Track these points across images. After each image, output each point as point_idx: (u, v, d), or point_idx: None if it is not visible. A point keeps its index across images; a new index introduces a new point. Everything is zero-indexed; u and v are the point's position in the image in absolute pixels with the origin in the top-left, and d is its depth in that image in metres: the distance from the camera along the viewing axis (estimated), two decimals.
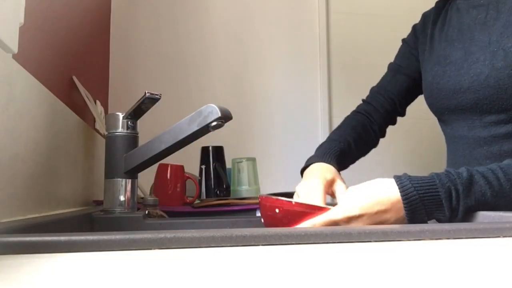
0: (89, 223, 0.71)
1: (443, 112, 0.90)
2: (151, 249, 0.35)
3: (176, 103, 1.76)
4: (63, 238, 0.34)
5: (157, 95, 0.76)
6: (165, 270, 0.28)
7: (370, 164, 1.38)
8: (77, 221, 0.66)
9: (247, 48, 1.96)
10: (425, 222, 0.58)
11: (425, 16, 1.03)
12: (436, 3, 1.00)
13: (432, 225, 0.41)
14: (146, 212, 0.83)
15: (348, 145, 0.93)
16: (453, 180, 0.58)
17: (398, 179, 0.59)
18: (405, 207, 0.57)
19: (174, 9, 1.91)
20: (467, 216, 0.58)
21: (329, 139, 0.96)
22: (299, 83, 1.96)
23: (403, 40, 1.06)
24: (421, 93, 1.00)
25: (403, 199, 0.57)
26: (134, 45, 1.84)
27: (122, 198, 0.76)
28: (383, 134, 1.06)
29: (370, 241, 0.39)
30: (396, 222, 0.57)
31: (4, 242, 0.33)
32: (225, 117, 0.68)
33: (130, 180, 0.77)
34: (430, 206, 0.57)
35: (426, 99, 0.95)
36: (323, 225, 0.57)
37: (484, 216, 0.62)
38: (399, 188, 0.57)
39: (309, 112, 1.94)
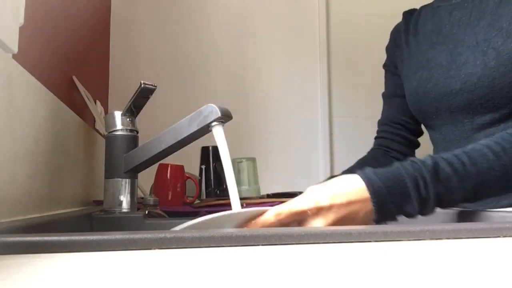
0: (89, 223, 0.71)
1: (431, 116, 0.89)
2: (151, 249, 0.35)
3: (176, 103, 1.76)
4: (63, 238, 0.34)
5: (152, 85, 0.75)
6: (165, 270, 0.28)
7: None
8: (77, 221, 0.66)
9: (247, 48, 1.95)
10: (394, 218, 0.55)
11: (393, 32, 1.04)
12: (404, 13, 1.01)
13: (432, 225, 0.41)
14: (146, 212, 0.83)
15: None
16: (418, 169, 0.55)
17: (362, 172, 0.56)
18: (372, 199, 0.53)
19: (174, 9, 1.91)
20: (438, 207, 0.56)
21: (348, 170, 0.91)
22: (299, 83, 1.96)
23: (383, 66, 1.07)
24: None
25: (370, 191, 0.54)
26: (134, 45, 1.84)
27: (122, 198, 0.76)
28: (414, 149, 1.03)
29: (370, 241, 0.38)
30: (366, 216, 0.54)
31: (4, 242, 0.33)
32: (225, 117, 0.68)
33: (130, 180, 0.77)
34: (398, 197, 0.54)
35: (412, 105, 0.94)
36: (289, 214, 0.53)
37: (484, 216, 0.62)
38: (364, 180, 0.55)
39: (309, 112, 1.94)
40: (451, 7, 0.89)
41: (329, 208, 0.53)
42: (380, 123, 1.05)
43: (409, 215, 0.55)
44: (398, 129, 1.01)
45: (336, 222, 0.52)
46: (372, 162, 0.95)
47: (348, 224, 0.53)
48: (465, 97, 0.81)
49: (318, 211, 0.53)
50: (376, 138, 1.05)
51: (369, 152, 1.03)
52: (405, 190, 0.54)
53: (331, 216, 0.53)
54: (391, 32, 1.05)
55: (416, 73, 0.92)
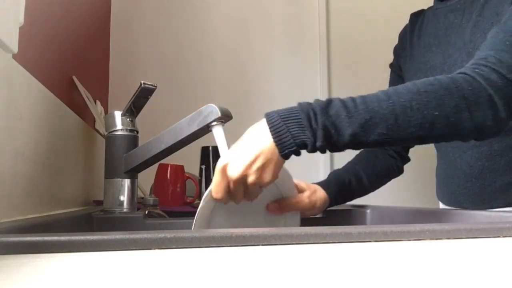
0: (89, 223, 0.71)
1: None
2: (151, 249, 0.35)
3: (176, 103, 1.76)
4: (63, 238, 0.34)
5: (152, 85, 0.76)
6: (165, 270, 0.28)
7: None
8: (77, 221, 0.66)
9: (247, 48, 1.95)
10: (293, 148, 0.59)
11: (401, 34, 1.05)
12: (411, 15, 1.02)
13: (432, 225, 0.41)
14: (146, 212, 0.83)
15: (358, 179, 0.89)
16: (312, 104, 0.59)
17: (266, 114, 0.61)
18: (268, 126, 0.59)
19: (174, 9, 1.91)
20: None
21: (343, 169, 0.93)
22: (299, 82, 1.96)
23: (390, 66, 1.08)
24: None
25: (268, 123, 0.59)
26: (134, 45, 1.84)
27: (122, 198, 0.76)
28: (405, 160, 1.01)
29: (370, 241, 0.39)
30: (270, 145, 0.58)
31: (4, 242, 0.33)
32: (225, 117, 0.68)
33: (130, 180, 0.77)
34: (292, 125, 0.58)
35: None
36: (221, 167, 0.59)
37: (484, 216, 0.62)
38: (264, 117, 0.60)
39: None
40: (446, 9, 0.90)
41: (240, 141, 0.61)
42: None
43: (305, 146, 0.59)
44: None
45: (245, 149, 0.59)
46: (369, 156, 0.96)
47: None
48: None
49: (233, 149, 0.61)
50: None
51: (362, 150, 1.01)
52: (298, 119, 0.58)
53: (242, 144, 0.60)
54: (399, 33, 1.05)
55: (415, 75, 0.92)
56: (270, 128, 0.59)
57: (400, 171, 1.01)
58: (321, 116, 0.57)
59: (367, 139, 0.58)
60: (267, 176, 0.59)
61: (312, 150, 0.59)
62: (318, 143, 0.58)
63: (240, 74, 1.95)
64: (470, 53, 0.79)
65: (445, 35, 0.88)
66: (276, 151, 0.58)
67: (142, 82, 0.76)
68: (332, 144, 0.59)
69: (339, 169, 0.93)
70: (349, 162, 0.96)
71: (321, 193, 0.83)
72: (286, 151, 0.58)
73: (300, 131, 0.58)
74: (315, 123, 0.57)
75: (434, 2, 0.96)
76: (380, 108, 0.58)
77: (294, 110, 0.59)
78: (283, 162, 0.61)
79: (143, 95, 0.76)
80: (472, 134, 0.59)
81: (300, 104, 0.60)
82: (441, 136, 0.59)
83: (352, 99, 0.59)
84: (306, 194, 0.79)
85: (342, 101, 0.59)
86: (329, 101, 0.59)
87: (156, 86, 0.76)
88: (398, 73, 1.04)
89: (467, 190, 0.88)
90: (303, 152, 0.61)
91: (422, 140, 0.60)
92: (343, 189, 0.86)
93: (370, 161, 0.94)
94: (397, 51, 1.05)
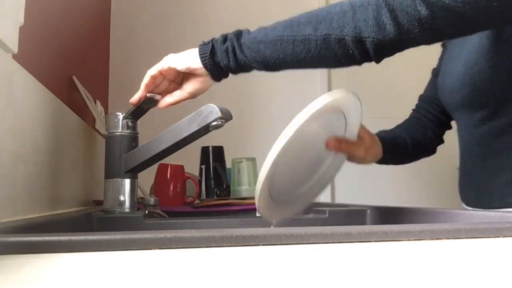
0: (89, 223, 0.71)
1: (449, 109, 0.93)
2: (151, 249, 0.35)
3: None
4: (63, 238, 0.34)
5: (156, 95, 0.76)
6: (165, 270, 0.28)
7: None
8: (77, 221, 0.66)
9: None
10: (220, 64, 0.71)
11: None
12: None
13: (432, 225, 0.41)
14: (146, 212, 0.83)
15: (406, 145, 0.93)
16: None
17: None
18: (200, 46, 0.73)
19: (174, 9, 1.91)
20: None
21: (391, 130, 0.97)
22: (299, 82, 1.96)
23: (441, 44, 1.04)
24: None
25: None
26: (134, 45, 1.84)
27: (122, 198, 0.76)
28: (439, 140, 1.03)
29: (370, 241, 0.38)
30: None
31: (4, 242, 0.33)
32: (225, 117, 0.68)
33: (130, 180, 0.77)
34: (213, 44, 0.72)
35: (439, 96, 0.97)
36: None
37: (484, 216, 0.62)
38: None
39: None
40: None
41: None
42: (420, 98, 1.06)
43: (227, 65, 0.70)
44: (434, 110, 1.01)
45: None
46: (408, 128, 0.99)
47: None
48: (458, 95, 0.84)
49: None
50: (413, 110, 1.06)
51: (406, 120, 1.04)
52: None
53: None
54: None
55: (441, 68, 0.95)
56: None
57: (434, 151, 1.03)
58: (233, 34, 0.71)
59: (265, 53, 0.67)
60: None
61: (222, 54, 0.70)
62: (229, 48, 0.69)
63: (240, 74, 1.94)
64: (469, 50, 0.82)
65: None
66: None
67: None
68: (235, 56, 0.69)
69: (391, 131, 0.96)
70: (397, 127, 0.99)
71: (377, 149, 0.86)
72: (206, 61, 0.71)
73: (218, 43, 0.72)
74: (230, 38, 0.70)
75: None
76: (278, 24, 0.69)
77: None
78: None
79: (146, 105, 0.77)
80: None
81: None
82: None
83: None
84: (366, 144, 0.81)
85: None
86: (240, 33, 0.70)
87: (159, 97, 0.77)
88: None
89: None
90: None
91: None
92: (394, 150, 0.89)
93: (418, 132, 0.97)
94: None
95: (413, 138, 0.96)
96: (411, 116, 1.05)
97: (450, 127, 1.03)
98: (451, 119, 1.01)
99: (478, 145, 0.86)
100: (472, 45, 0.81)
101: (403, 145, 0.93)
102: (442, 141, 1.04)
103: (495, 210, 0.80)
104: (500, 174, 0.82)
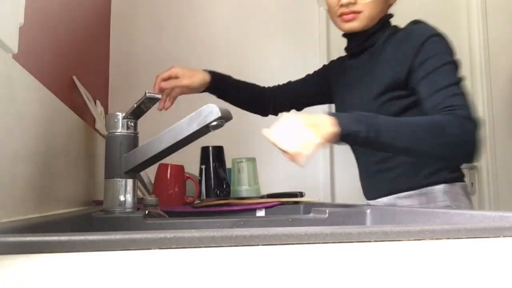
0: (89, 223, 0.71)
1: None
2: (151, 249, 0.35)
3: (176, 103, 1.76)
4: (63, 238, 0.34)
5: (157, 94, 0.76)
6: (165, 270, 0.28)
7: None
8: (77, 221, 0.66)
9: (247, 48, 1.95)
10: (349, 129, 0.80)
11: (334, 64, 1.30)
12: (337, 59, 1.29)
13: (432, 225, 0.41)
14: (146, 212, 0.83)
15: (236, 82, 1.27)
16: (364, 115, 0.83)
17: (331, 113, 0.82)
18: (331, 115, 0.80)
19: (174, 9, 1.91)
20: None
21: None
22: None
23: (316, 71, 1.34)
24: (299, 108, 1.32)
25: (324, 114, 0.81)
26: (134, 45, 1.84)
27: (122, 198, 0.76)
28: (273, 112, 1.33)
29: (370, 241, 0.38)
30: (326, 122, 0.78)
31: (4, 242, 0.33)
32: (225, 117, 0.68)
33: (130, 180, 0.77)
34: (346, 118, 0.80)
35: None
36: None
37: (484, 216, 0.62)
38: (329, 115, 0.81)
39: (308, 112, 1.94)
40: (354, 65, 1.14)
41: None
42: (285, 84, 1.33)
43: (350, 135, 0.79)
44: (287, 95, 1.31)
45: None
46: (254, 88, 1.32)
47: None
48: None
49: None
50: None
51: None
52: (350, 115, 0.81)
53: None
54: (332, 60, 1.33)
55: (340, 106, 1.21)
56: (332, 115, 0.81)
57: (265, 114, 1.34)
58: (371, 118, 0.82)
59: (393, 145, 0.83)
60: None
61: (355, 138, 0.80)
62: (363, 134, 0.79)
63: (240, 74, 1.94)
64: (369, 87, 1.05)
65: (353, 80, 1.13)
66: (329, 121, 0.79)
67: (146, 91, 0.76)
68: (367, 139, 0.80)
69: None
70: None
71: (201, 74, 1.20)
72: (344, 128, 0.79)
73: (353, 123, 0.79)
74: (363, 124, 0.80)
75: (346, 57, 1.21)
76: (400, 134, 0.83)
77: (351, 115, 0.82)
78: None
79: (146, 105, 0.77)
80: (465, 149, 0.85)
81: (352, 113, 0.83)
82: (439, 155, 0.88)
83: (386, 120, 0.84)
84: (183, 75, 1.17)
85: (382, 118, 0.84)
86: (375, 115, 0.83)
87: (160, 96, 0.77)
88: (319, 78, 1.29)
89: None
90: None
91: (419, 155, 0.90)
92: (221, 82, 1.23)
93: (257, 89, 1.30)
94: (329, 73, 1.28)
95: (247, 88, 1.28)
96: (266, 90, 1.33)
97: (266, 114, 1.34)
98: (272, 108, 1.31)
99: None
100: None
101: (231, 83, 1.25)
102: (275, 114, 1.32)
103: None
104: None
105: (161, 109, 1.13)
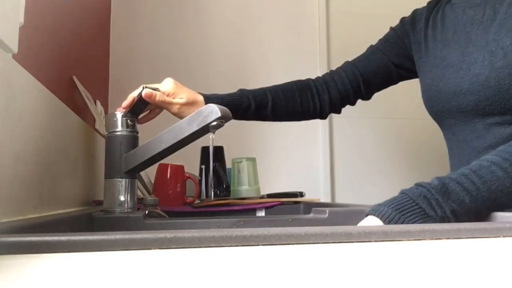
0: (89, 223, 0.71)
1: (443, 115, 0.89)
2: (151, 249, 0.35)
3: None
4: (63, 238, 0.34)
5: (154, 88, 0.76)
6: (165, 270, 0.28)
7: (373, 167, 1.36)
8: (77, 221, 0.66)
9: (247, 48, 1.95)
10: None
11: (416, 13, 1.01)
12: (428, 3, 0.99)
13: (432, 225, 0.41)
14: (146, 212, 0.83)
15: (259, 101, 0.99)
16: (426, 191, 0.58)
17: (372, 210, 0.59)
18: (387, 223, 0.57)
19: (174, 9, 1.91)
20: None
21: (248, 91, 1.03)
22: None
23: (391, 28, 1.06)
24: (393, 83, 1.05)
25: (382, 219, 0.57)
26: (134, 45, 1.84)
27: (122, 198, 0.76)
28: (334, 109, 1.06)
29: (370, 241, 0.38)
30: None
31: (4, 242, 0.33)
32: (225, 117, 0.68)
33: (130, 180, 0.77)
34: (413, 217, 0.57)
35: (425, 102, 0.93)
36: None
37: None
38: (377, 215, 0.58)
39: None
40: (464, 4, 0.87)
41: None
42: (344, 65, 1.07)
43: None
44: (350, 80, 1.04)
45: None
46: (281, 90, 1.03)
47: None
48: (473, 98, 0.80)
49: None
50: (330, 72, 1.08)
51: (302, 80, 1.06)
52: (416, 209, 0.57)
53: None
54: (414, 10, 1.02)
55: (431, 71, 0.91)
56: (387, 223, 0.56)
57: (321, 117, 1.07)
58: (446, 204, 0.58)
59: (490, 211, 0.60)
60: None
61: None
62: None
63: (241, 74, 1.95)
64: (493, 52, 0.78)
65: (464, 31, 0.85)
66: None
67: (143, 86, 0.76)
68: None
69: (242, 95, 1.02)
70: (274, 86, 1.05)
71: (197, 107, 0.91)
72: None
73: (422, 220, 0.57)
74: (442, 211, 0.57)
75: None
76: (503, 186, 0.60)
77: (406, 200, 0.58)
78: None
79: (145, 100, 0.77)
80: None
81: (406, 193, 0.59)
82: None
83: (467, 177, 0.60)
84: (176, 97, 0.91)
85: (459, 184, 0.60)
86: (446, 186, 0.59)
87: (158, 91, 0.76)
88: (398, 41, 1.02)
89: None
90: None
91: None
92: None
93: (288, 95, 1.02)
94: (407, 26, 1.01)
95: (277, 99, 1.00)
96: (316, 78, 1.06)
97: (353, 103, 1.07)
98: (360, 95, 1.05)
99: (490, 148, 0.82)
100: (496, 47, 0.79)
101: (240, 105, 0.99)
102: (335, 111, 1.07)
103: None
104: None
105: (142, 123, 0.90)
